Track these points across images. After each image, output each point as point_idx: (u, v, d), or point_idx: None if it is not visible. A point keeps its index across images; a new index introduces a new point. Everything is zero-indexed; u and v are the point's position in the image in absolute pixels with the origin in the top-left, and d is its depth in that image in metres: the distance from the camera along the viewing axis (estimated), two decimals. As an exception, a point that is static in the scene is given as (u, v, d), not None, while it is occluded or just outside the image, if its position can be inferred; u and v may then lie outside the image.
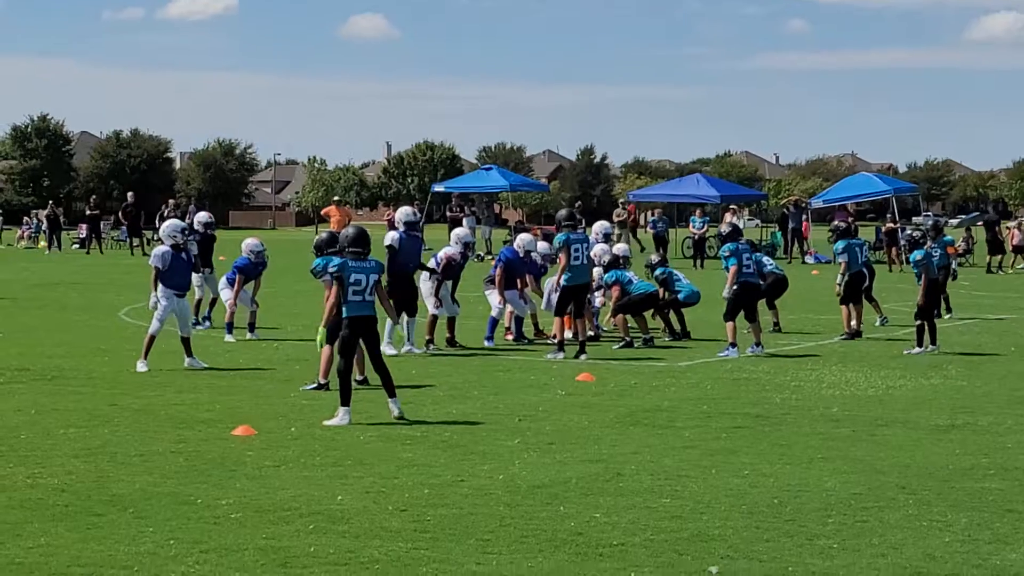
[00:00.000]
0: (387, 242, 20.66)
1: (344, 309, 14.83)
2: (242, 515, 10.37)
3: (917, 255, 22.36)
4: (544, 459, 12.76)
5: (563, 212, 21.64)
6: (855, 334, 23.44)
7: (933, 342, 21.54)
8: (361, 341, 15.07)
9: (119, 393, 16.24)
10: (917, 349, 21.34)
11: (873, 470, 12.34)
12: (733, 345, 20.70)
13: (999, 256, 47.76)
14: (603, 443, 13.60)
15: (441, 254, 21.89)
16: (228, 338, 21.87)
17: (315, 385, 16.70)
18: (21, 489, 11.22)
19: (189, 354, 18.67)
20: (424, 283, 21.53)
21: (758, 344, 21.02)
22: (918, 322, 21.61)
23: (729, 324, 20.91)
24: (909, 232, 23.32)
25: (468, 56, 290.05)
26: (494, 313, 22.38)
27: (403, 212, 21.59)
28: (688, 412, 15.58)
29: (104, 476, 11.77)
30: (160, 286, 18.52)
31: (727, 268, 21.22)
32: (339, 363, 14.86)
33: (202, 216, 23.24)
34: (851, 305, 23.65)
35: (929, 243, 23.28)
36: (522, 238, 22.74)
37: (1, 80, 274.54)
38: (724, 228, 22.40)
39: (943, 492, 11.45)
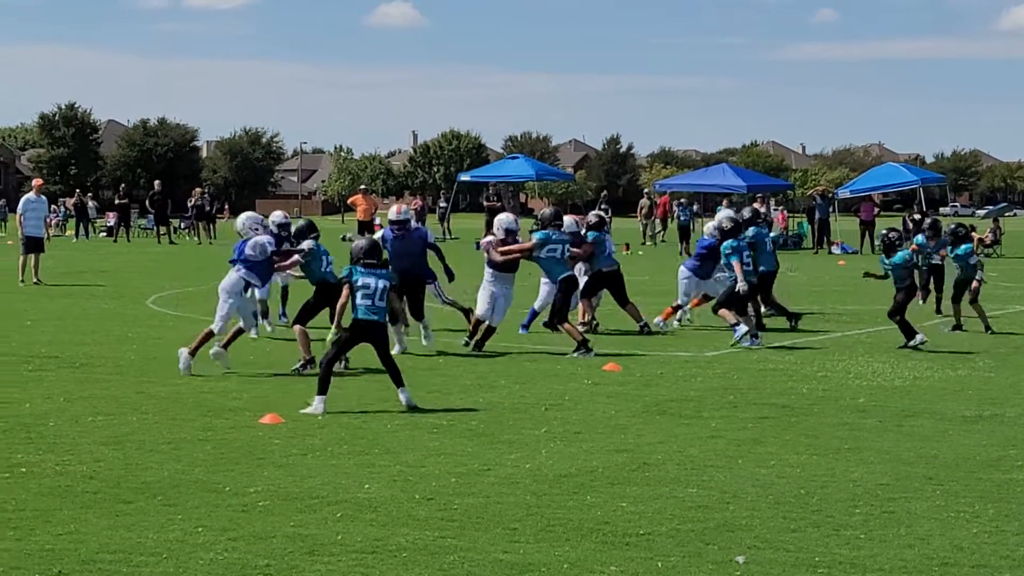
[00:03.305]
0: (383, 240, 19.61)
1: (353, 312, 15.01)
2: (270, 503, 10.41)
3: (901, 258, 21.29)
4: (570, 448, 12.78)
5: (548, 211, 21.04)
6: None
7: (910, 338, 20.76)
8: None
9: (147, 381, 16.30)
10: (919, 338, 20.64)
11: (900, 461, 12.33)
12: (737, 324, 20.72)
13: None
14: (629, 433, 13.61)
15: (484, 243, 20.94)
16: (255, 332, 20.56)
17: (302, 363, 17.28)
18: (50, 476, 11.28)
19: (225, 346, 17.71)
20: (485, 285, 20.26)
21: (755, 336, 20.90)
22: (896, 318, 21.00)
23: (722, 311, 20.99)
24: (885, 232, 22.01)
25: (495, 45, 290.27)
26: (537, 305, 21.95)
27: (391, 210, 20.76)
28: (714, 402, 15.57)
29: (132, 463, 11.82)
30: (240, 280, 17.69)
31: (728, 264, 20.98)
32: (327, 352, 14.95)
33: (277, 216, 22.43)
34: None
35: (914, 244, 23.10)
36: (500, 219, 20.92)
37: (29, 69, 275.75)
38: (724, 222, 21.73)
39: (970, 483, 11.43)
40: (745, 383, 17.11)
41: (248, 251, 17.63)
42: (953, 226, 23.88)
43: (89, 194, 79.16)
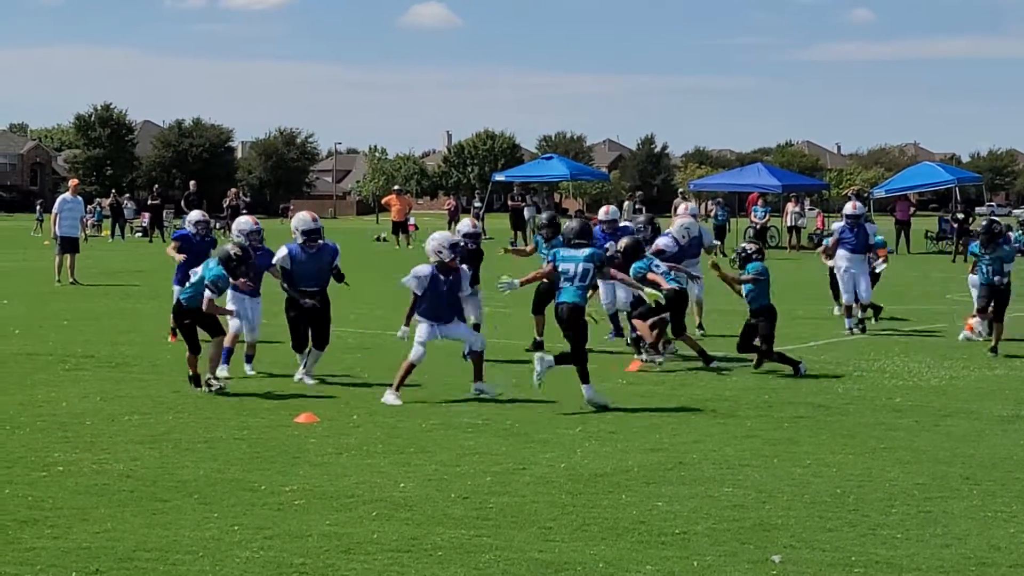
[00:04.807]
0: (275, 260, 17.09)
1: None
2: (306, 502, 10.43)
3: (753, 268, 18.53)
4: (606, 447, 12.77)
5: (574, 225, 17.74)
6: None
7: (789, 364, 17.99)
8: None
9: (183, 380, 16.34)
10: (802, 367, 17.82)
11: (936, 460, 12.28)
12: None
13: None
14: (664, 432, 13.59)
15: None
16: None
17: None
18: (87, 475, 11.33)
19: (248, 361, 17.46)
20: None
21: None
22: (763, 347, 18.14)
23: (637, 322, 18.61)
24: (744, 246, 19.12)
25: (529, 45, 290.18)
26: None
27: (299, 219, 17.31)
28: (749, 402, 15.54)
29: (169, 462, 11.87)
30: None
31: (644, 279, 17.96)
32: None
33: (243, 223, 21.46)
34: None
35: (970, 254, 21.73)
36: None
37: (65, 70, 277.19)
38: (627, 244, 18.85)
39: (1007, 483, 11.38)
40: (780, 382, 17.06)
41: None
42: (986, 223, 21.15)
43: (126, 195, 79.39)
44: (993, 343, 20.11)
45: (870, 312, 23.70)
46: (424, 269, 15.70)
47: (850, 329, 22.78)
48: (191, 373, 15.94)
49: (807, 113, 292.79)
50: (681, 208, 22.40)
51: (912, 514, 10.27)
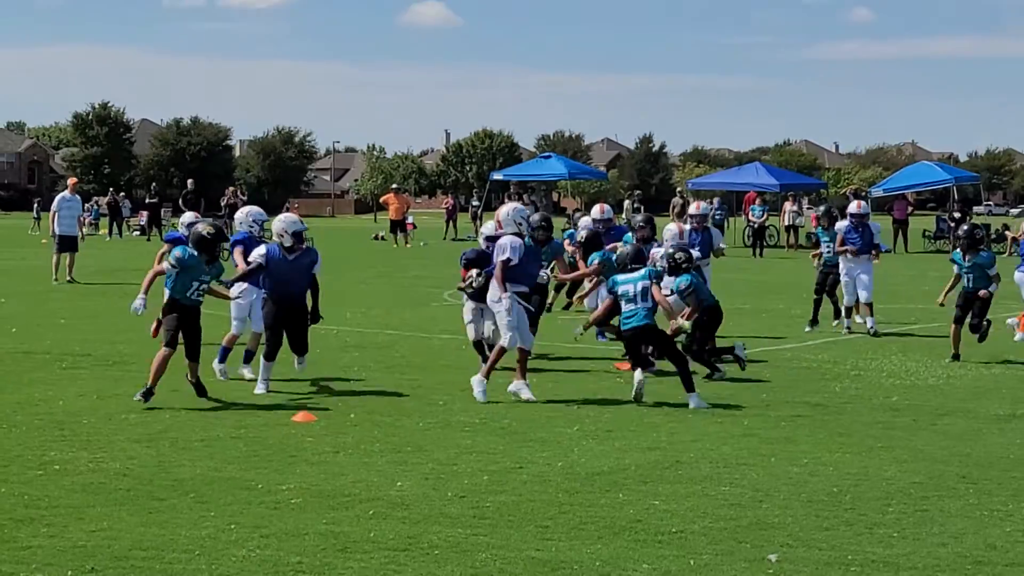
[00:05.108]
0: (251, 257, 16.38)
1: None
2: (302, 500, 10.43)
3: (682, 282, 17.35)
4: (602, 446, 12.77)
5: (536, 216, 17.42)
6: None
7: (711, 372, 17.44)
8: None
9: (180, 379, 16.33)
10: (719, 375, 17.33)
11: (933, 459, 12.28)
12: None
13: None
14: (661, 431, 13.59)
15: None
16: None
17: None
18: (84, 473, 11.32)
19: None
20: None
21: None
22: (695, 349, 17.33)
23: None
24: (674, 254, 17.67)
25: (528, 44, 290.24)
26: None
27: (288, 220, 16.38)
28: (747, 400, 15.54)
29: (165, 461, 11.86)
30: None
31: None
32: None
33: (187, 217, 20.49)
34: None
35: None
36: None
37: (63, 69, 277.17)
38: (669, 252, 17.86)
39: (1004, 482, 11.38)
40: (778, 381, 17.06)
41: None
42: (967, 227, 20.28)
43: (123, 193, 79.32)
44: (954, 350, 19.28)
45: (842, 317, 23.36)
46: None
47: (848, 328, 22.77)
48: (195, 382, 15.28)
49: (805, 112, 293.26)
50: (692, 208, 22.18)
51: (909, 513, 10.27)
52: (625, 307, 15.65)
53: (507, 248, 15.76)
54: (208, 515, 9.91)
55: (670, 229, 20.82)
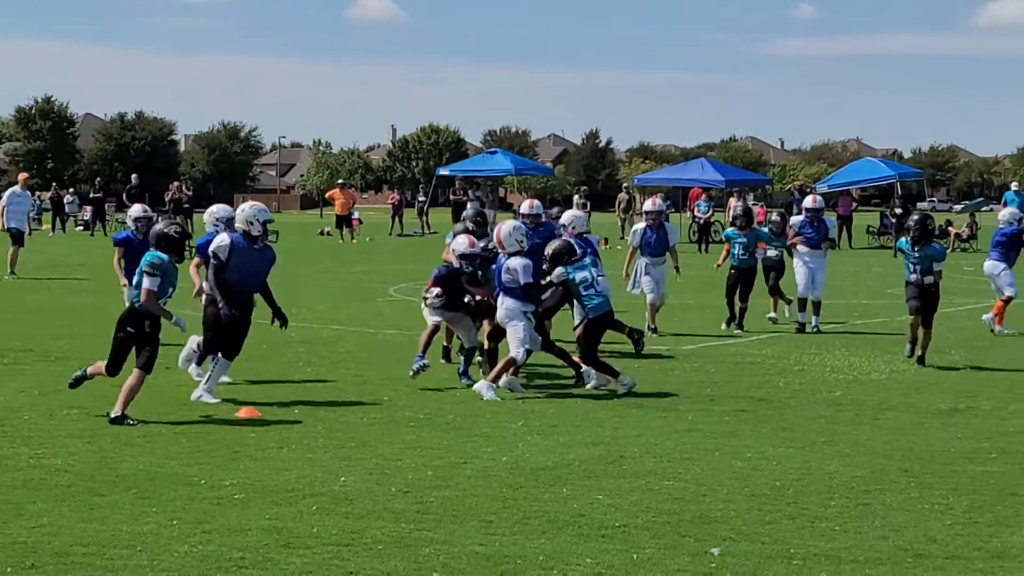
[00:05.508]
0: (212, 248, 15.15)
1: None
2: (245, 496, 10.39)
3: (577, 274, 16.21)
4: (547, 441, 12.78)
5: (469, 210, 18.10)
6: None
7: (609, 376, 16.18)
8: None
9: (122, 375, 16.21)
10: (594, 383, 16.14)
11: (875, 453, 12.36)
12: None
13: None
14: (606, 426, 13.61)
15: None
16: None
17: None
18: (24, 469, 11.25)
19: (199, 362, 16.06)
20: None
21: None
22: (589, 358, 16.22)
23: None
24: (556, 244, 16.64)
25: (473, 39, 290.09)
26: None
27: (256, 208, 15.34)
28: (691, 395, 15.59)
29: (107, 457, 11.79)
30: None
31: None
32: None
33: (135, 210, 19.95)
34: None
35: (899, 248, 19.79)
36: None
37: (5, 62, 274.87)
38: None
39: (945, 475, 11.46)
40: (722, 376, 17.12)
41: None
42: (918, 217, 18.97)
43: (70, 189, 78.78)
44: (920, 352, 18.46)
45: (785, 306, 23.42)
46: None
47: (801, 324, 22.58)
48: (81, 374, 14.44)
49: (751, 109, 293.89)
50: (648, 204, 22.01)
51: (851, 506, 10.32)
52: (585, 292, 16.01)
53: (522, 271, 15.59)
54: (150, 511, 9.86)
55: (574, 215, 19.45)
